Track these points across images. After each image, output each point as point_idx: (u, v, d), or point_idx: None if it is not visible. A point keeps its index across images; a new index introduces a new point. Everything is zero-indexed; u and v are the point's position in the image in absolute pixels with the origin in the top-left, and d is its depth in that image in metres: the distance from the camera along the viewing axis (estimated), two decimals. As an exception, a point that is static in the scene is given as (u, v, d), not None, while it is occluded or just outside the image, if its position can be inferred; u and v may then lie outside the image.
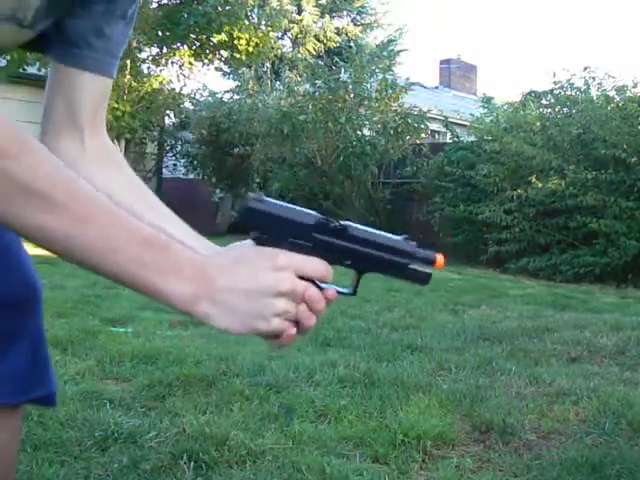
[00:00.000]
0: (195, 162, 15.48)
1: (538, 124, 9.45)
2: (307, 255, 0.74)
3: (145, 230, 0.69)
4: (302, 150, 11.99)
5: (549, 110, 9.75)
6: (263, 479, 2.05)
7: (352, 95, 11.78)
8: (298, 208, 0.75)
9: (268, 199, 0.73)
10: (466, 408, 2.72)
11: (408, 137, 11.99)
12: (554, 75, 9.37)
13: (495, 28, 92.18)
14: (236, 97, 16.08)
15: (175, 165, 15.74)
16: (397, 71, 13.76)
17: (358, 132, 11.82)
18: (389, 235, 0.78)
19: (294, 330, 0.74)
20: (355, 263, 0.78)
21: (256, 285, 0.71)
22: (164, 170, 15.74)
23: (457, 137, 11.12)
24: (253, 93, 15.41)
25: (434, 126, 13.82)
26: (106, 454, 2.16)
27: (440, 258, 0.78)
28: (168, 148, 15.60)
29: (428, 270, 0.78)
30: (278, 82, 17.01)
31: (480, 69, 31.87)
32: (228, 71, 17.69)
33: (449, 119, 12.25)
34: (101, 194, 0.68)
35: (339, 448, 2.29)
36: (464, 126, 12.76)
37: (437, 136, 15.83)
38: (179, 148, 15.74)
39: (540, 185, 8.38)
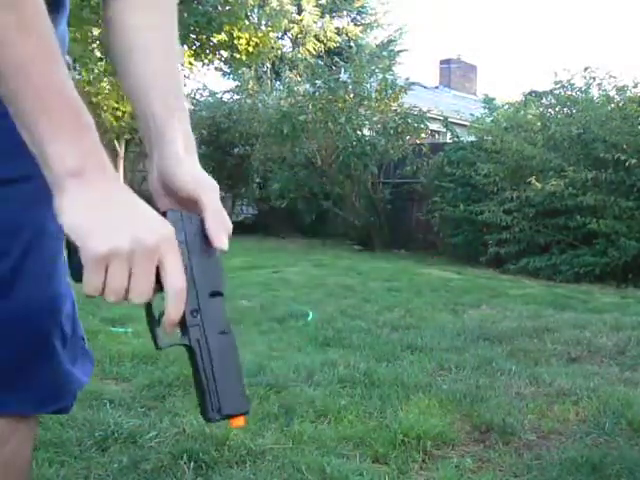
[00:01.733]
0: (195, 162, 15.47)
1: (539, 124, 9.45)
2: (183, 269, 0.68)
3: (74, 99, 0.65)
4: (302, 150, 11.99)
5: (549, 110, 9.75)
6: (263, 479, 2.05)
7: (352, 95, 11.77)
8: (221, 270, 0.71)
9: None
10: (466, 408, 2.72)
11: (408, 137, 11.98)
12: (555, 75, 9.38)
13: (495, 28, 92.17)
14: (236, 97, 16.08)
15: (175, 165, 15.74)
16: (397, 71, 13.75)
17: (358, 132, 11.81)
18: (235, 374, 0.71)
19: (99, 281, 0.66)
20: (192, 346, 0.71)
21: (128, 216, 0.66)
22: (164, 170, 15.72)
23: (457, 137, 11.11)
24: (253, 93, 15.42)
25: (434, 126, 13.82)
26: (106, 454, 2.16)
27: (240, 420, 0.72)
28: (168, 148, 15.59)
29: (215, 416, 0.71)
30: (278, 82, 17.01)
31: (480, 69, 31.88)
32: (228, 71, 17.71)
33: (449, 119, 12.24)
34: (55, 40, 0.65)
35: (339, 448, 2.29)
36: (464, 126, 12.76)
37: (437, 136, 15.83)
38: (179, 148, 15.71)
39: (540, 185, 8.38)
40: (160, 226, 0.67)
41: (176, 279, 0.67)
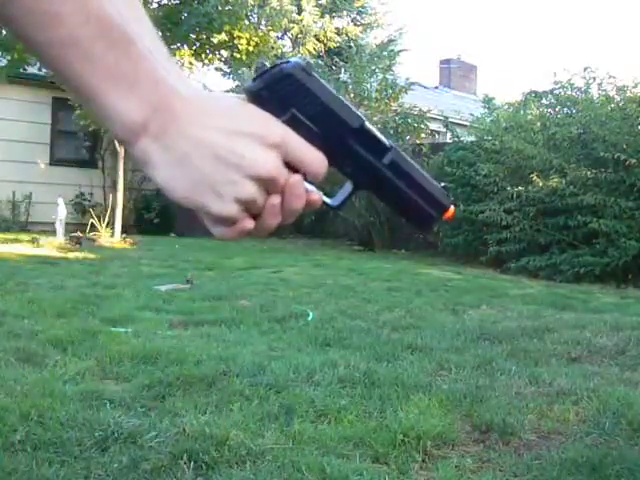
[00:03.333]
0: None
1: (538, 124, 9.46)
2: (307, 141, 0.57)
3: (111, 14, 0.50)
4: (302, 150, 12.00)
5: (549, 110, 9.76)
6: (263, 479, 2.05)
7: (352, 95, 11.78)
8: (347, 103, 0.60)
9: (315, 75, 0.58)
10: (466, 408, 2.72)
11: (408, 137, 11.99)
12: (555, 75, 9.39)
13: (495, 28, 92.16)
14: (236, 97, 16.08)
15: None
16: (397, 71, 13.76)
17: (358, 132, 11.82)
18: (426, 176, 0.65)
19: (251, 224, 0.56)
20: (358, 176, 0.63)
21: (230, 151, 0.53)
22: (164, 170, 15.74)
23: (457, 137, 11.12)
24: (253, 93, 15.41)
25: (434, 126, 13.82)
26: (106, 454, 2.16)
27: (452, 209, 0.67)
28: (168, 148, 15.60)
29: (434, 213, 0.66)
30: (278, 82, 16.92)
31: (480, 69, 31.87)
32: (228, 71, 17.69)
33: (449, 119, 12.25)
34: None
35: (339, 448, 2.29)
36: (464, 126, 12.77)
37: (437, 136, 15.83)
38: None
39: (540, 184, 8.39)
40: (245, 150, 0.54)
41: (312, 166, 0.58)
